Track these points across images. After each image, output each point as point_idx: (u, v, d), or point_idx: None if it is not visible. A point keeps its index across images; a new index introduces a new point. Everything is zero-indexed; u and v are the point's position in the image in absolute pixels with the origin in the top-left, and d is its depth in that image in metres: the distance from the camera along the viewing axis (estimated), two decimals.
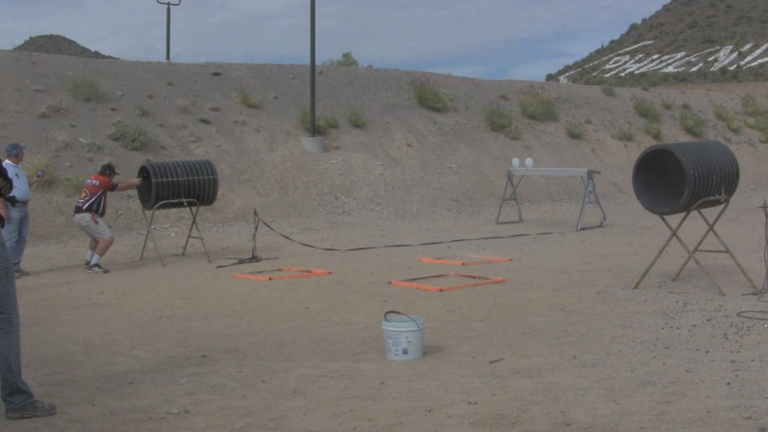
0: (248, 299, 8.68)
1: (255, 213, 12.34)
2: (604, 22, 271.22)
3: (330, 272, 10.28)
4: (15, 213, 10.36)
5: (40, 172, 11.73)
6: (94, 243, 10.94)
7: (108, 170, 11.19)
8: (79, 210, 10.91)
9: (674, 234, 8.95)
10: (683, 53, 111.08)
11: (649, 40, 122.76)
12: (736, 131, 31.11)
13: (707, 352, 6.07)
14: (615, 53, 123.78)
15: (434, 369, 5.78)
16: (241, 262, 11.30)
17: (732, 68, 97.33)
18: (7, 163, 10.36)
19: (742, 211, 15.93)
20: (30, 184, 11.11)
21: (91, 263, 10.78)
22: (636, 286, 8.83)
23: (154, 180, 11.31)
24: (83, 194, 11.00)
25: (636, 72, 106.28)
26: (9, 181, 5.06)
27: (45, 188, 14.24)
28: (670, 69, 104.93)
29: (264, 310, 8.07)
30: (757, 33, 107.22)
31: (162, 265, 11.15)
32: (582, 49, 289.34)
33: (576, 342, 6.48)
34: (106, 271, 10.68)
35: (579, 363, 5.84)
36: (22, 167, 11.04)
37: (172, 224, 14.79)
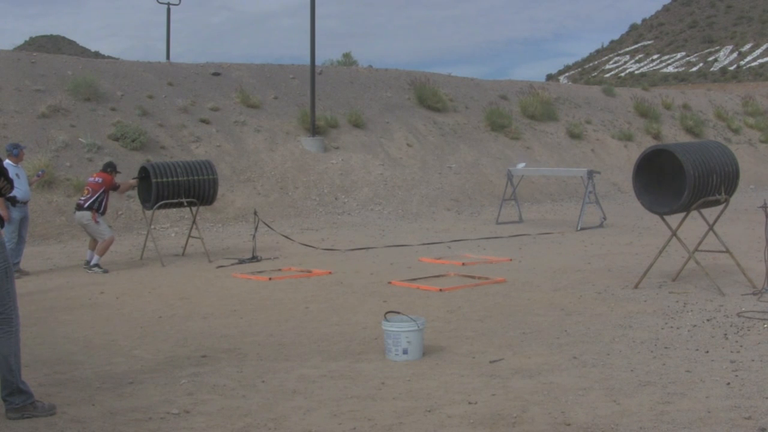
0: (248, 299, 8.68)
1: (255, 213, 12.34)
2: (604, 22, 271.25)
3: (330, 272, 10.28)
4: (15, 213, 10.34)
5: (40, 172, 11.72)
6: (94, 242, 10.92)
7: (110, 167, 11.14)
8: (80, 208, 10.86)
9: (674, 234, 8.95)
10: (683, 53, 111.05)
11: (649, 40, 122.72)
12: (736, 131, 31.11)
13: (707, 352, 6.07)
14: (615, 53, 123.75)
15: (434, 369, 5.78)
16: (241, 262, 11.30)
17: (732, 68, 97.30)
18: (7, 163, 10.31)
19: (742, 211, 15.93)
20: (30, 184, 11.08)
21: (91, 263, 10.75)
22: (636, 286, 8.83)
23: (154, 180, 11.31)
24: (85, 192, 10.96)
25: (636, 72, 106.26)
26: (10, 182, 5.06)
27: (45, 188, 14.24)
28: (670, 69, 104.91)
29: (264, 310, 8.07)
30: (757, 33, 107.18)
31: (162, 265, 11.15)
32: (582, 49, 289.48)
33: (576, 342, 6.48)
34: (105, 271, 10.65)
35: (579, 363, 5.84)
36: (23, 167, 11.01)
37: (172, 224, 14.79)
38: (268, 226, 13.27)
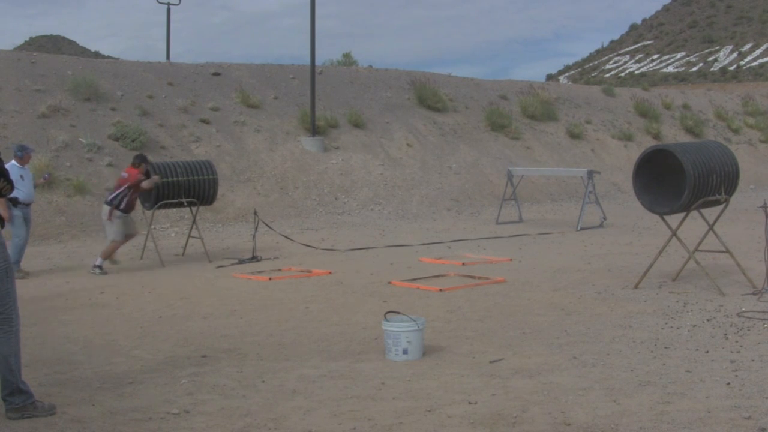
0: (248, 299, 8.68)
1: (255, 213, 12.34)
2: (604, 22, 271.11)
3: (330, 272, 10.28)
4: (17, 213, 10.27)
5: (46, 175, 11.56)
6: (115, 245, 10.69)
7: (138, 160, 10.79)
8: (105, 202, 10.72)
9: (674, 234, 8.95)
10: (683, 53, 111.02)
11: (649, 40, 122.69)
12: (736, 131, 31.11)
13: (707, 352, 6.07)
14: (615, 53, 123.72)
15: (434, 369, 5.78)
16: (241, 262, 11.30)
17: (732, 68, 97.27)
18: (12, 164, 10.27)
19: (742, 211, 15.93)
20: (35, 186, 10.98)
21: (94, 263, 10.64)
22: (636, 286, 8.83)
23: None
24: (115, 186, 10.81)
25: (636, 72, 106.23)
26: (10, 182, 5.06)
27: (45, 188, 14.23)
28: (670, 69, 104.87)
29: (264, 310, 8.08)
30: (757, 33, 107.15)
31: (162, 265, 11.15)
32: (582, 49, 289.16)
33: (576, 342, 6.48)
34: (105, 273, 10.55)
35: (579, 363, 5.84)
36: (29, 169, 10.89)
37: (172, 224, 14.79)
38: (268, 226, 13.26)
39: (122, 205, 10.58)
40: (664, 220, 8.99)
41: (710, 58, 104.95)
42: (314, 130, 19.42)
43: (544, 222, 16.32)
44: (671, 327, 6.92)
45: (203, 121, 18.60)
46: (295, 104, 20.73)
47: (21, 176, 10.29)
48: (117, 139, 16.67)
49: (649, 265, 9.03)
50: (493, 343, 6.50)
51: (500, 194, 17.71)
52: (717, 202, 8.62)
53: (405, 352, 6.01)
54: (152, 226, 12.38)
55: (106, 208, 10.59)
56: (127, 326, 7.42)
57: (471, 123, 23.46)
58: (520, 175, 17.61)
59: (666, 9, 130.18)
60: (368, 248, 12.58)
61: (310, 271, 10.39)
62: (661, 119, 28.95)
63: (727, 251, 8.69)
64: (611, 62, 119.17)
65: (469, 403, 4.97)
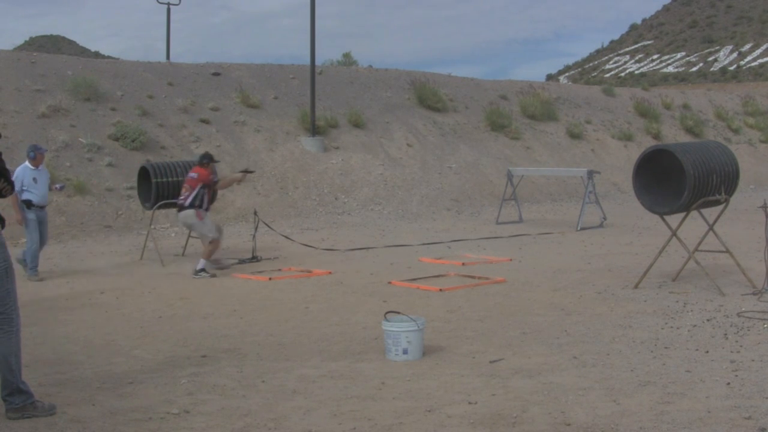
0: (248, 299, 8.68)
1: (255, 213, 12.34)
2: (604, 22, 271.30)
3: (330, 272, 10.28)
4: (31, 217, 10.07)
5: (59, 186, 11.04)
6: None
7: (205, 159, 10.50)
8: (182, 208, 10.31)
9: (674, 234, 8.95)
10: (683, 53, 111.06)
11: (649, 40, 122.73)
12: (736, 131, 31.11)
13: (707, 352, 6.07)
14: (615, 53, 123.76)
15: (434, 369, 5.78)
16: (241, 262, 11.30)
17: (732, 68, 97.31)
18: (25, 165, 10.10)
19: (742, 211, 15.93)
20: (49, 189, 10.65)
21: (197, 268, 10.11)
22: (636, 286, 8.83)
23: (154, 180, 11.31)
24: (183, 189, 10.38)
25: (636, 72, 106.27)
26: (11, 183, 5.06)
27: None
28: (670, 69, 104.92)
29: (264, 310, 8.08)
30: (757, 33, 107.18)
31: (162, 265, 11.14)
32: (582, 49, 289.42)
33: (576, 342, 6.48)
34: (213, 276, 10.02)
35: (579, 363, 5.84)
36: (44, 170, 10.47)
37: (172, 224, 14.78)
38: (268, 226, 13.26)
39: (204, 204, 10.36)
40: (664, 220, 8.99)
41: (710, 58, 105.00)
42: (314, 130, 19.42)
43: (544, 222, 16.32)
44: (671, 327, 6.92)
45: (203, 121, 18.61)
46: (295, 104, 20.73)
47: (34, 178, 10.06)
48: (117, 139, 16.67)
49: (649, 265, 9.03)
50: (493, 343, 6.50)
51: (500, 194, 17.71)
52: (717, 202, 8.61)
53: (405, 352, 6.01)
54: (152, 226, 12.38)
55: (189, 213, 10.23)
56: (127, 326, 7.42)
57: (471, 123, 23.46)
58: (520, 175, 17.60)
59: (666, 9, 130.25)
60: (368, 248, 12.58)
61: (310, 271, 10.39)
62: (661, 119, 28.95)
63: (727, 251, 8.69)
64: (611, 62, 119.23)
65: (469, 403, 4.97)
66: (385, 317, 6.21)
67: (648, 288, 8.75)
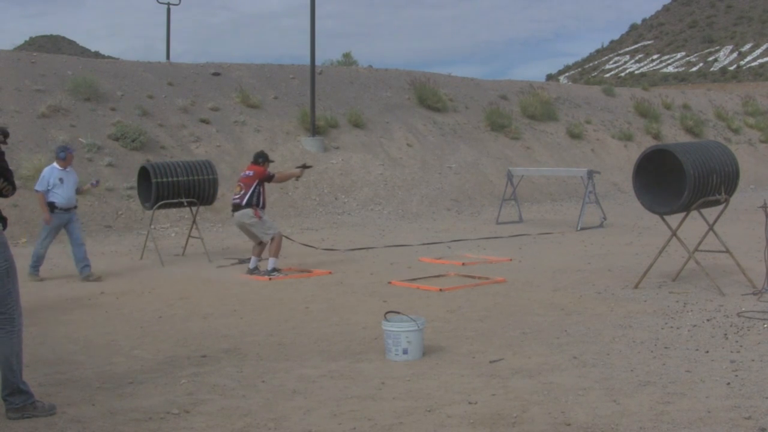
0: (248, 299, 8.68)
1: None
2: (604, 22, 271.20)
3: (330, 272, 10.28)
4: (54, 219, 9.91)
5: (95, 182, 10.86)
6: (258, 249, 10.27)
7: (261, 158, 10.43)
8: (237, 207, 10.11)
9: (674, 234, 8.95)
10: (683, 53, 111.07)
11: (649, 40, 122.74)
12: (736, 131, 31.12)
13: (707, 352, 6.07)
14: (615, 53, 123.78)
15: (434, 369, 5.78)
16: (242, 262, 11.29)
17: (732, 68, 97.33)
18: (53, 166, 9.95)
19: (742, 211, 15.93)
20: (81, 191, 10.52)
21: (269, 268, 9.98)
22: (636, 286, 8.83)
23: (154, 180, 11.30)
24: (237, 188, 10.24)
25: (636, 72, 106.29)
26: (12, 183, 5.06)
27: None
28: (670, 69, 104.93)
29: (264, 310, 8.08)
30: (757, 33, 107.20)
31: (162, 265, 11.14)
32: (582, 49, 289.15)
33: (576, 342, 6.48)
34: (285, 274, 9.99)
35: (579, 363, 5.84)
36: (73, 171, 10.24)
37: (172, 224, 14.79)
38: None
39: (261, 203, 10.24)
40: (664, 220, 8.99)
41: (710, 58, 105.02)
42: (314, 130, 19.42)
43: (544, 222, 16.32)
44: (671, 327, 6.92)
45: (203, 121, 18.61)
46: (295, 104, 20.73)
47: (60, 179, 9.84)
48: (117, 139, 16.67)
49: (649, 265, 9.03)
50: (493, 343, 6.50)
51: (500, 194, 17.71)
52: (717, 202, 8.62)
53: (405, 352, 6.02)
54: (152, 226, 12.38)
55: (247, 212, 10.06)
56: (127, 326, 7.42)
57: (471, 123, 23.46)
58: (520, 175, 17.61)
59: (666, 9, 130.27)
60: (368, 248, 12.58)
61: (310, 271, 10.39)
62: (661, 119, 28.95)
63: (727, 251, 8.69)
64: (611, 62, 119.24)
65: (469, 403, 4.97)
66: (385, 317, 6.22)
67: (648, 288, 8.75)
